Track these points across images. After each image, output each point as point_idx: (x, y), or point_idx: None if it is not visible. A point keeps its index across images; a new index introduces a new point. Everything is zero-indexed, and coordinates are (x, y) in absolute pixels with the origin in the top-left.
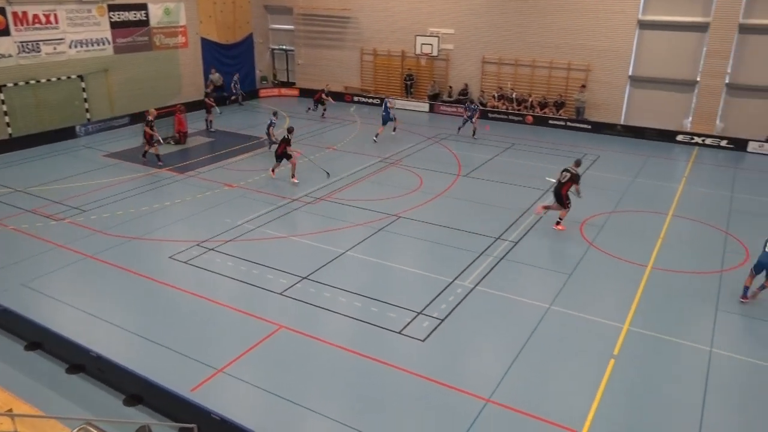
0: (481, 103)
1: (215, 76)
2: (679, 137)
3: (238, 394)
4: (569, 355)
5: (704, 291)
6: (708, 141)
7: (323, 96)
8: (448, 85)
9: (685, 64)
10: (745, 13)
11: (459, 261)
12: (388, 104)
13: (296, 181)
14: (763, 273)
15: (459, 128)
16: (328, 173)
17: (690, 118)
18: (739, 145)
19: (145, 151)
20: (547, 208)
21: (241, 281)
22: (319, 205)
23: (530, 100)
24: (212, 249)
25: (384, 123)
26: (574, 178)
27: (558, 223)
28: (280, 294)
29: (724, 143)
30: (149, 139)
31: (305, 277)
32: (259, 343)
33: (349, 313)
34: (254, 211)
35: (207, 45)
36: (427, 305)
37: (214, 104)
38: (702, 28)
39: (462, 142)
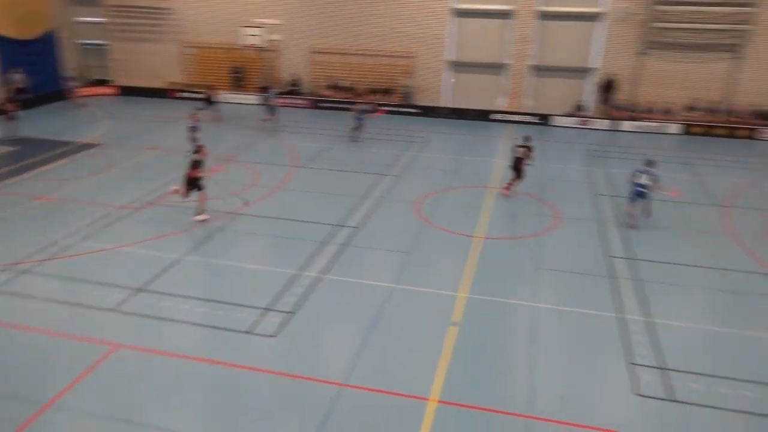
0: (313, 93)
1: (17, 77)
2: (496, 116)
3: (72, 427)
4: (415, 329)
5: (525, 253)
6: (520, 118)
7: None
8: (278, 76)
9: (496, 48)
10: (545, 0)
11: (303, 252)
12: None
13: (205, 217)
14: (638, 201)
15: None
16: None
17: (504, 98)
18: (545, 119)
19: None
20: (511, 185)
21: (65, 303)
22: (149, 210)
23: (361, 88)
24: (27, 271)
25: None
26: (528, 152)
27: (507, 188)
28: (113, 310)
29: (533, 119)
30: None
31: (140, 289)
32: (92, 368)
33: (193, 320)
34: (74, 224)
35: (1, 41)
36: (275, 300)
37: (18, 109)
38: (508, 15)
39: (296, 133)
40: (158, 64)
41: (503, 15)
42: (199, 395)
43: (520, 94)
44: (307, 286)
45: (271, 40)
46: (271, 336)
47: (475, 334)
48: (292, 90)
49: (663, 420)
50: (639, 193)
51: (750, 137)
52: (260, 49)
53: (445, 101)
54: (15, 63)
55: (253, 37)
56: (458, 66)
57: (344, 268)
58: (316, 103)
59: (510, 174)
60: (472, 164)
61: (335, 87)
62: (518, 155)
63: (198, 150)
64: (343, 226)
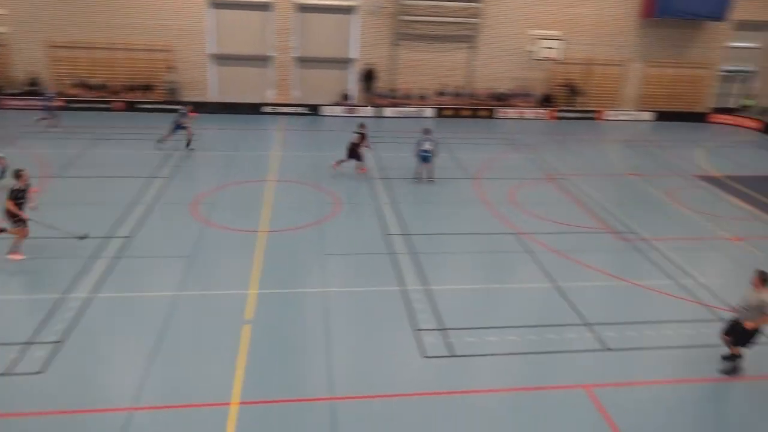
0: (59, 93)
1: None
2: (267, 108)
3: None
4: (207, 334)
5: (311, 241)
6: (290, 109)
7: None
8: (11, 74)
9: (260, 40)
10: None
11: (67, 272)
12: None
13: (20, 257)
14: (423, 164)
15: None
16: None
17: (272, 90)
18: (314, 110)
19: None
20: (341, 162)
21: None
22: None
23: (116, 85)
24: None
25: None
26: (362, 138)
27: (337, 162)
28: None
29: (303, 110)
30: None
31: None
32: None
33: None
34: None
35: None
36: (37, 332)
37: None
38: (267, 7)
39: (41, 139)
40: None
41: (262, 7)
42: None
43: (287, 86)
44: (76, 309)
45: None
46: (37, 373)
47: (269, 329)
48: (31, 90)
49: (449, 375)
50: (424, 158)
51: (490, 117)
52: None
53: (214, 96)
54: None
55: None
56: (222, 59)
57: (118, 283)
58: (66, 104)
59: (344, 155)
60: (248, 158)
61: (84, 85)
62: (354, 141)
63: (18, 175)
64: (113, 237)
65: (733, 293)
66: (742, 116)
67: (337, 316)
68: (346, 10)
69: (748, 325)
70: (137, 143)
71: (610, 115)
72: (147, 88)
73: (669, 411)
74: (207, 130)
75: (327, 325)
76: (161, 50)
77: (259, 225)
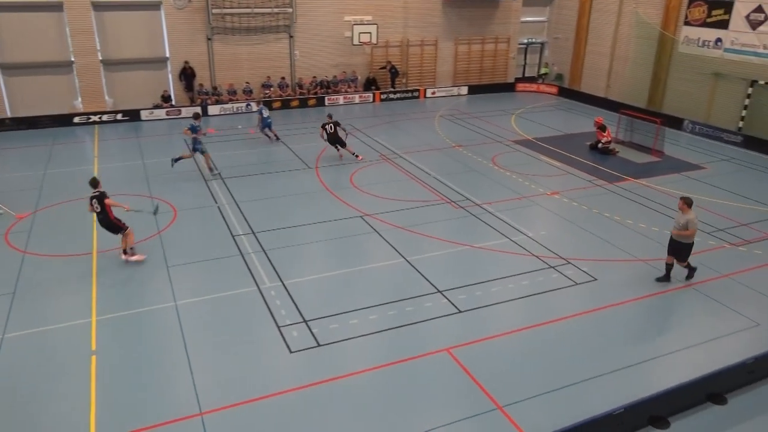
0: None
1: None
2: (76, 119)
3: None
4: (49, 376)
5: (153, 254)
6: (104, 117)
7: None
8: None
9: (54, 44)
10: None
11: None
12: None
13: (141, 257)
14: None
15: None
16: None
17: (80, 99)
18: (133, 115)
19: None
20: (350, 152)
21: None
22: None
23: None
24: None
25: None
26: (337, 124)
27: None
28: None
29: (119, 117)
30: None
31: None
32: None
33: None
34: None
35: None
36: None
37: None
38: (57, 7)
39: None
40: None
41: (52, 7)
42: None
43: (97, 93)
44: None
45: None
46: None
47: (120, 355)
48: None
49: (318, 365)
50: (195, 149)
51: (320, 105)
52: None
53: (5, 111)
54: None
55: None
56: (11, 69)
57: None
58: None
59: (337, 148)
60: (62, 176)
61: None
62: (330, 131)
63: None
64: None
65: (558, 242)
66: (542, 83)
67: (193, 328)
68: (152, 6)
69: (680, 235)
70: None
71: (430, 92)
72: None
73: (523, 355)
74: (4, 149)
75: (186, 340)
76: None
77: (90, 246)
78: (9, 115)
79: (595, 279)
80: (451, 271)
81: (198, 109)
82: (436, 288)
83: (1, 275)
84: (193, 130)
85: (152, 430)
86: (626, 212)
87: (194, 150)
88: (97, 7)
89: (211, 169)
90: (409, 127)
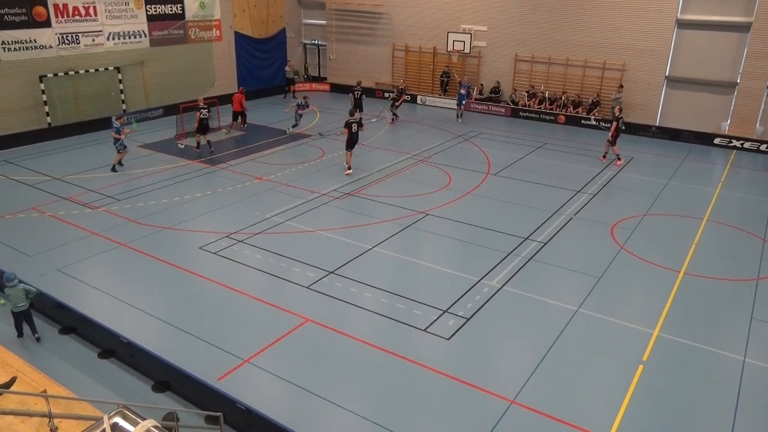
0: (513, 102)
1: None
2: (717, 140)
3: (264, 384)
4: (596, 360)
5: (738, 298)
6: (747, 145)
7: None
8: (479, 82)
9: (724, 65)
10: None
11: (486, 260)
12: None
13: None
14: None
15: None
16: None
17: (728, 121)
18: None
19: (198, 142)
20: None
21: (268, 273)
22: (347, 200)
23: (563, 99)
24: (241, 241)
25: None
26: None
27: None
28: (307, 288)
29: (763, 147)
30: (199, 127)
31: (332, 272)
32: (285, 336)
33: (375, 309)
34: (283, 205)
35: (240, 39)
36: (453, 304)
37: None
38: (744, 28)
39: (492, 140)
40: (369, 65)
41: (737, 28)
42: (372, 380)
43: (748, 118)
44: (487, 294)
45: (475, 46)
46: (445, 338)
47: (666, 378)
48: (491, 97)
49: None
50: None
51: None
52: (465, 55)
53: (658, 119)
54: (250, 59)
55: (458, 42)
56: (674, 82)
57: (525, 283)
58: (515, 112)
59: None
60: (681, 190)
61: (535, 96)
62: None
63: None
64: (530, 239)
65: None
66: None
67: (753, 397)
68: None
69: None
70: (572, 156)
71: None
72: (594, 104)
73: None
74: (644, 153)
75: (735, 403)
76: (615, 69)
77: (680, 264)
78: (657, 123)
79: None
80: None
81: None
82: None
83: (598, 259)
84: None
85: None
86: None
87: None
88: None
89: None
90: None
